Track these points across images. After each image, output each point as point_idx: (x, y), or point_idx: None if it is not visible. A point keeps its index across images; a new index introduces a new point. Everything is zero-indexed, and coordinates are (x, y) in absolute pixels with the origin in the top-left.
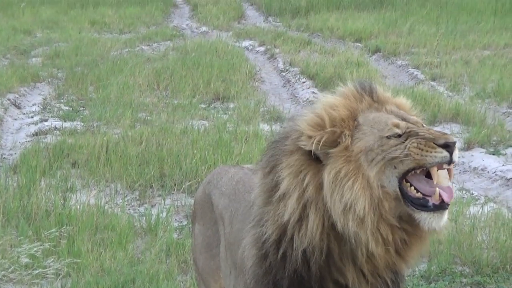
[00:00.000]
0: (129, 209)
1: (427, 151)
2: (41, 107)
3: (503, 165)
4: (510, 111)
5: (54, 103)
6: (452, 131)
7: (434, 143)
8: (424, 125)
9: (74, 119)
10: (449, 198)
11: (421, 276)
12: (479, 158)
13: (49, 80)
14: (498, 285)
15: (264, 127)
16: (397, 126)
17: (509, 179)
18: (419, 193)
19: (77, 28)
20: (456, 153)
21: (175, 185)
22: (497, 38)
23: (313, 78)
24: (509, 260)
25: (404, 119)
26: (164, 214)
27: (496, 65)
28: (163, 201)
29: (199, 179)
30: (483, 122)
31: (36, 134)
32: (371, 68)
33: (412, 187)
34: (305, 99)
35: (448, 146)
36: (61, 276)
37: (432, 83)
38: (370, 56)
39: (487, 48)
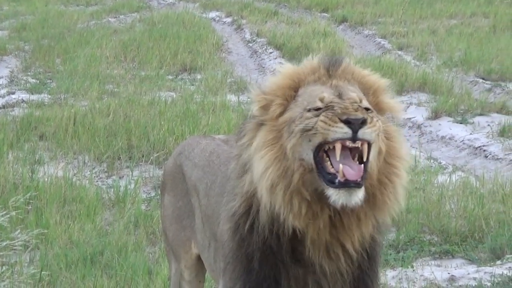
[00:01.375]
0: (97, 181)
1: (330, 125)
2: (8, 80)
3: (470, 133)
4: (477, 80)
5: (21, 76)
6: (419, 100)
7: (338, 118)
8: (363, 107)
9: (41, 92)
10: (352, 177)
11: (390, 245)
12: (447, 127)
13: (16, 53)
14: (467, 253)
15: (232, 98)
16: (321, 99)
17: (476, 148)
18: (333, 169)
19: (43, 0)
20: (363, 131)
21: (143, 156)
22: (463, 7)
23: (280, 49)
24: (477, 228)
25: (339, 95)
26: (132, 185)
27: (463, 34)
28: (131, 173)
29: (166, 150)
30: (451, 91)
31: (3, 107)
32: (338, 38)
33: (329, 162)
34: (272, 70)
35: (350, 123)
36: (29, 248)
37: (399, 52)
38: (337, 26)
39: (454, 17)
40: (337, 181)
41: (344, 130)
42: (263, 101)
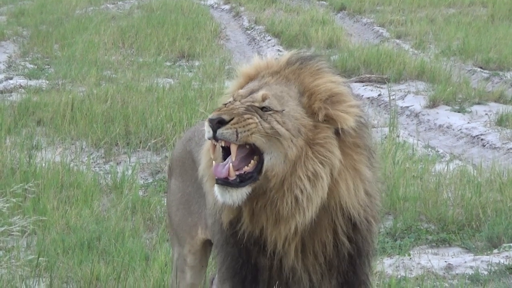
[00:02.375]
0: (94, 167)
1: (204, 124)
2: (6, 65)
3: (468, 122)
4: (475, 69)
5: (19, 61)
6: (417, 88)
7: (208, 118)
8: (260, 106)
9: (39, 77)
10: (219, 174)
11: (387, 233)
12: (445, 115)
13: (14, 38)
14: (464, 242)
15: (229, 85)
16: (233, 95)
17: (474, 137)
18: None
19: None
20: (221, 132)
21: (140, 142)
22: None
23: (278, 36)
24: (474, 217)
25: (251, 92)
26: (130, 171)
27: (461, 23)
28: (128, 159)
29: (164, 136)
30: (449, 79)
31: (1, 92)
32: (336, 26)
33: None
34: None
35: (210, 122)
36: (26, 233)
37: (397, 41)
38: (335, 14)
39: (452, 6)
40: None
41: (207, 129)
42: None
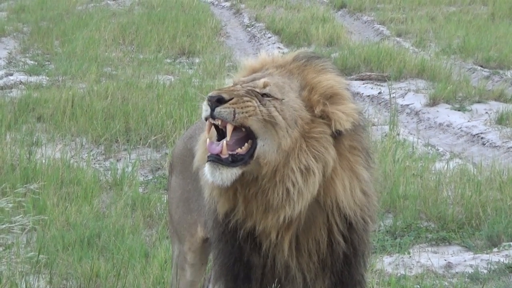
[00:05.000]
0: (94, 164)
1: (203, 104)
2: (7, 61)
3: (468, 121)
4: (476, 67)
5: (20, 57)
6: (417, 87)
7: (208, 95)
8: (260, 92)
9: (39, 74)
10: (212, 150)
11: (387, 232)
12: (445, 114)
13: (15, 34)
14: (463, 240)
15: (230, 82)
16: (234, 81)
17: (474, 135)
18: None
19: None
20: (219, 110)
21: (140, 139)
22: None
23: (279, 34)
24: (474, 215)
25: (253, 79)
26: (130, 168)
27: (461, 21)
28: (128, 156)
29: (164, 133)
30: (449, 78)
31: (1, 88)
32: (336, 24)
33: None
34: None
35: (209, 100)
36: (26, 230)
37: (397, 39)
38: (336, 12)
39: (453, 4)
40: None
41: (205, 108)
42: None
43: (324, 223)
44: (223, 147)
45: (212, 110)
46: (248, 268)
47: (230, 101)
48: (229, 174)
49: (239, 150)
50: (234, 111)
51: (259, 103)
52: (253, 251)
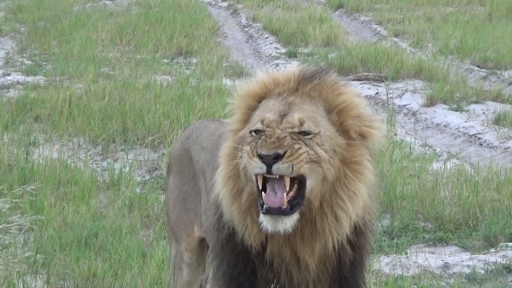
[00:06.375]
0: (91, 164)
1: (251, 158)
2: (4, 62)
3: (465, 121)
4: (473, 67)
5: (17, 58)
6: (415, 87)
7: (257, 151)
8: (300, 131)
9: (37, 74)
10: (272, 204)
11: (384, 232)
12: (442, 114)
13: (12, 34)
14: (461, 240)
15: (227, 82)
16: (262, 121)
17: (471, 136)
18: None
19: None
20: (278, 167)
21: (137, 139)
22: None
23: (276, 34)
24: (471, 216)
25: (284, 115)
26: (127, 168)
27: (459, 22)
28: (125, 156)
29: (161, 134)
30: (446, 78)
31: None
32: (334, 24)
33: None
34: (267, 55)
35: (263, 158)
36: (24, 230)
37: (395, 39)
38: (333, 12)
39: (450, 5)
40: (264, 207)
41: (259, 165)
42: (230, 106)
43: None
44: (283, 199)
45: (269, 167)
46: (253, 277)
47: (286, 155)
48: (291, 221)
49: (290, 194)
50: (292, 164)
51: (306, 148)
52: (263, 265)
